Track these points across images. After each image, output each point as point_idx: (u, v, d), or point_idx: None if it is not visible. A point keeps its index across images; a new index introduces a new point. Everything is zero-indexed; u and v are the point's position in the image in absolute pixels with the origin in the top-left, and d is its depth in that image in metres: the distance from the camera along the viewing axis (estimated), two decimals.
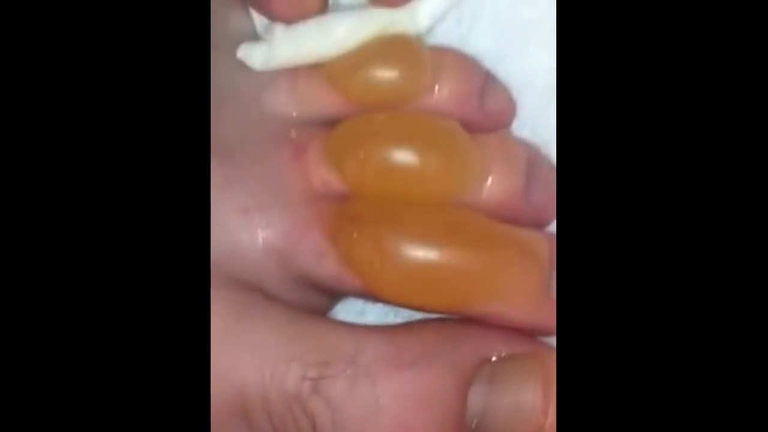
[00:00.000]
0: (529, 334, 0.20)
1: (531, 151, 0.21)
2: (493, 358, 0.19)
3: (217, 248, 0.19)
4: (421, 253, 0.19)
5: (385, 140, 0.20)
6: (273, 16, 0.21)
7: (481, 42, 0.22)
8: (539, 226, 0.21)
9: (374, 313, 0.21)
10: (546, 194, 0.21)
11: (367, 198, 0.20)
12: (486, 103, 0.21)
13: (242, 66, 0.21)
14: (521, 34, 0.22)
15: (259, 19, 0.22)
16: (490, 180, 0.20)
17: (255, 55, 0.21)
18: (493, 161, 0.20)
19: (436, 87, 0.21)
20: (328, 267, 0.19)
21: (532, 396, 0.19)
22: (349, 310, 0.22)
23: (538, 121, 0.22)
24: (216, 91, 0.20)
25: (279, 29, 0.21)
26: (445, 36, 0.22)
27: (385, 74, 0.21)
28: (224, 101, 0.20)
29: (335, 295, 0.21)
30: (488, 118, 0.21)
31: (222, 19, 0.22)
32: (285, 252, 0.19)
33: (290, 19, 0.21)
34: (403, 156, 0.20)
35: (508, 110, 0.22)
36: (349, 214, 0.20)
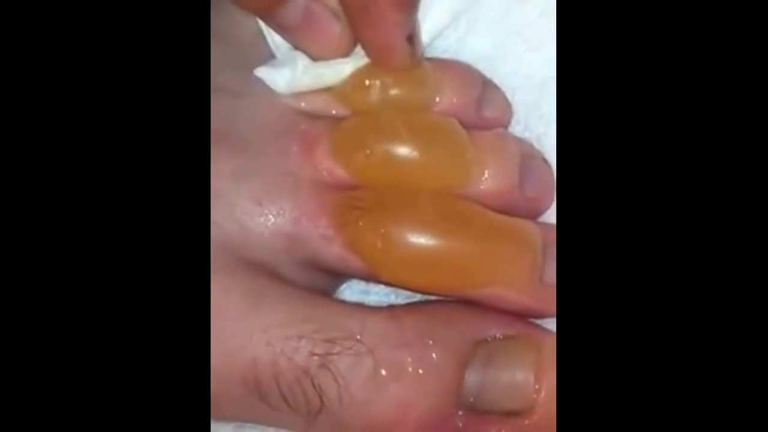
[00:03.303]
0: (523, 316, 0.21)
1: (524, 147, 0.23)
2: (489, 339, 0.20)
3: (233, 235, 0.20)
4: (421, 239, 0.20)
5: (389, 136, 0.21)
6: (300, 48, 0.22)
7: (477, 45, 0.24)
8: (533, 216, 0.22)
9: (377, 294, 0.23)
10: (539, 187, 0.22)
11: (372, 189, 0.21)
12: (483, 111, 0.23)
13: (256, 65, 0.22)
14: (515, 37, 0.24)
15: (273, 36, 0.23)
16: (486, 174, 0.22)
17: (278, 80, 0.22)
18: (489, 156, 0.22)
19: (437, 99, 0.22)
20: (334, 251, 0.21)
21: (526, 374, 0.20)
22: (353, 291, 0.23)
23: (531, 116, 0.23)
24: (233, 87, 0.22)
25: (302, 62, 0.22)
26: (443, 39, 0.24)
27: (393, 91, 0.22)
28: (240, 97, 0.22)
29: (341, 276, 0.22)
30: (485, 123, 0.23)
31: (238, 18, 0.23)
32: (295, 238, 0.21)
33: (316, 57, 0.22)
34: (406, 151, 0.21)
35: (504, 116, 0.24)
36: (354, 203, 0.21)
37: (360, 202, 0.21)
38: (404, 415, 0.19)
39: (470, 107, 0.23)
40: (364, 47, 0.22)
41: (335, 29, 0.21)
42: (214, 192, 0.20)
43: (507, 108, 0.24)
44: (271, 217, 0.21)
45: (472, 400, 0.20)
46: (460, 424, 0.20)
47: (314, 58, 0.22)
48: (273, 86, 0.22)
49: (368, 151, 0.21)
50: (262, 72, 0.22)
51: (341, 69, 0.22)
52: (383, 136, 0.21)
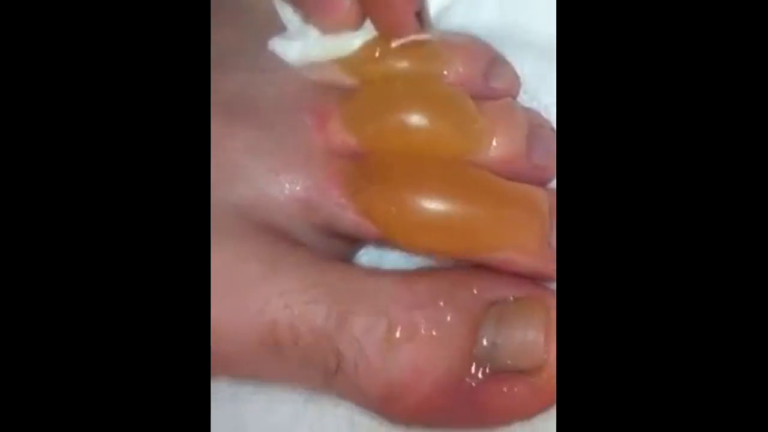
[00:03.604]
0: (532, 279, 0.22)
1: (532, 116, 0.23)
2: (501, 301, 0.21)
3: (250, 203, 0.21)
4: (433, 204, 0.21)
5: (401, 106, 0.22)
6: (310, 22, 0.23)
7: (485, 17, 0.25)
8: (541, 183, 0.23)
9: (391, 260, 0.23)
10: (546, 155, 0.23)
11: (385, 157, 0.22)
12: (491, 82, 0.24)
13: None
14: (523, 8, 0.24)
15: (285, 9, 0.24)
16: (494, 142, 0.22)
17: (290, 51, 0.23)
18: (497, 125, 0.22)
19: (445, 71, 0.23)
20: (348, 218, 0.21)
21: (537, 334, 0.21)
22: (369, 257, 0.24)
23: (539, 87, 0.24)
24: (249, 64, 0.23)
25: (314, 35, 0.23)
26: (451, 13, 0.25)
27: (402, 63, 0.23)
28: (256, 73, 0.23)
29: (356, 242, 0.23)
30: (494, 94, 0.23)
31: None
32: (311, 206, 0.21)
33: (326, 30, 0.23)
34: (416, 120, 0.22)
35: (512, 87, 0.24)
36: (367, 171, 0.22)
37: (372, 169, 0.22)
38: (418, 376, 0.20)
39: (478, 79, 0.23)
40: (373, 21, 0.22)
41: (345, 3, 0.22)
42: (232, 164, 0.21)
43: (515, 79, 0.24)
44: (287, 185, 0.21)
45: (484, 360, 0.21)
46: (473, 384, 0.20)
47: (324, 32, 0.23)
48: (285, 57, 0.23)
49: (380, 120, 0.22)
50: (275, 43, 0.23)
51: (351, 42, 0.23)
52: (393, 106, 0.22)
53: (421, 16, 0.23)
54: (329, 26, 0.23)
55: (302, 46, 0.23)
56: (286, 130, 0.22)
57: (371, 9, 0.22)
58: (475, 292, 0.21)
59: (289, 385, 0.22)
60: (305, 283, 0.21)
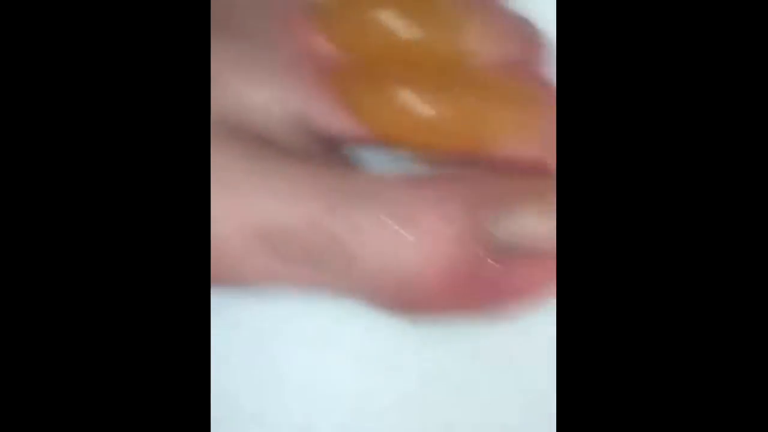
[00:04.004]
0: (533, 171, 0.22)
1: (519, 19, 0.23)
2: (505, 191, 0.22)
3: (240, 114, 0.22)
4: (423, 101, 0.21)
5: (380, 10, 0.22)
6: None
7: None
8: (538, 82, 0.23)
9: (384, 161, 0.24)
10: (535, 53, 0.23)
11: (370, 57, 0.22)
12: None
13: None
14: None
15: None
16: (484, 43, 0.22)
17: None
18: (485, 26, 0.22)
19: None
20: (340, 121, 0.22)
21: (538, 220, 0.21)
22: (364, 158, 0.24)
23: None
24: None
25: None
26: None
27: None
28: None
29: (348, 146, 0.23)
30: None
31: None
32: (299, 113, 0.22)
33: None
34: (401, 22, 0.22)
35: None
36: (353, 72, 0.22)
37: (359, 69, 0.22)
38: (426, 265, 0.21)
39: None
40: None
41: None
42: (217, 76, 0.22)
43: None
44: (274, 92, 0.22)
45: (489, 246, 0.21)
46: (480, 268, 0.21)
47: None
48: None
49: (365, 25, 0.22)
50: None
51: None
52: (367, 6, 0.22)
53: None
54: None
55: None
56: (266, 41, 0.22)
57: None
58: (476, 183, 0.22)
59: (293, 284, 0.22)
60: (301, 182, 0.21)
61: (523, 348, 0.23)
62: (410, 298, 0.22)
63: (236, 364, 0.23)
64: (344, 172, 0.22)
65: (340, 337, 0.23)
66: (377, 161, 0.23)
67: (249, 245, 0.21)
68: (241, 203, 0.21)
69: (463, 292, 0.22)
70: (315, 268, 0.21)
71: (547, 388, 0.22)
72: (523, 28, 0.23)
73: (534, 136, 0.22)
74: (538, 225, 0.21)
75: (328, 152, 0.23)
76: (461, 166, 0.22)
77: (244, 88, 0.22)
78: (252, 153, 0.21)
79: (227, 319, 0.23)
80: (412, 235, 0.21)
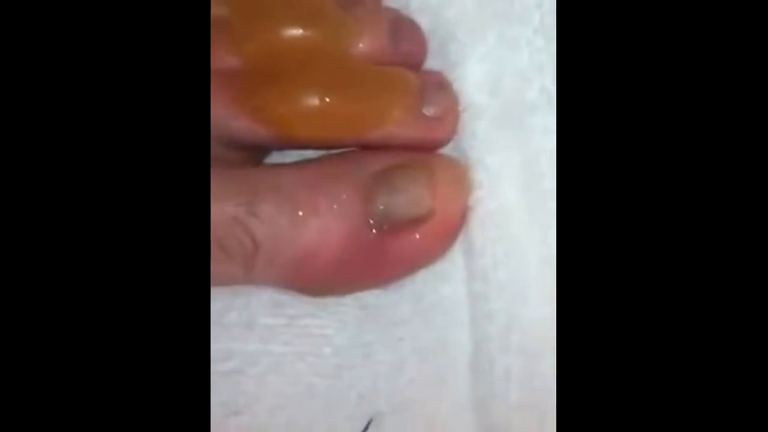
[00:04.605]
0: (412, 148, 0.25)
1: (394, 13, 0.26)
2: (387, 169, 0.24)
3: None
4: (315, 95, 0.24)
5: (272, 20, 0.25)
6: None
7: None
8: (411, 68, 0.26)
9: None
10: (410, 43, 0.26)
11: (267, 64, 0.25)
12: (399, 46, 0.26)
13: None
14: None
15: None
16: (362, 39, 0.25)
17: None
18: (363, 24, 0.25)
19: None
20: (244, 124, 0.24)
21: (422, 187, 0.24)
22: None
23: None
24: None
25: None
26: None
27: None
28: None
29: (257, 149, 0.26)
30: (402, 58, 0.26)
31: None
32: (212, 122, 0.24)
33: None
34: (290, 30, 0.25)
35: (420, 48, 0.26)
36: (254, 79, 0.24)
37: (258, 76, 0.24)
38: (323, 242, 0.23)
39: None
40: None
41: None
42: None
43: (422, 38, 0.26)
44: None
45: (380, 220, 0.24)
46: (374, 241, 0.24)
47: None
48: None
49: (256, 38, 0.25)
50: None
51: None
52: (266, 21, 0.25)
53: None
54: None
55: None
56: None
57: None
58: (362, 165, 0.24)
59: (218, 283, 0.25)
60: (214, 184, 0.23)
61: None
62: (312, 277, 0.24)
63: None
64: (251, 169, 0.24)
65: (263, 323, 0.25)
66: (281, 156, 0.26)
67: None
68: None
69: (359, 262, 0.24)
70: (232, 260, 0.24)
71: None
72: (396, 21, 0.26)
73: (409, 114, 0.24)
74: (417, 195, 0.24)
75: (237, 159, 0.25)
76: (352, 152, 0.25)
77: None
78: None
79: None
80: (311, 216, 0.23)
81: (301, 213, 0.23)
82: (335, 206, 0.24)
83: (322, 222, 0.23)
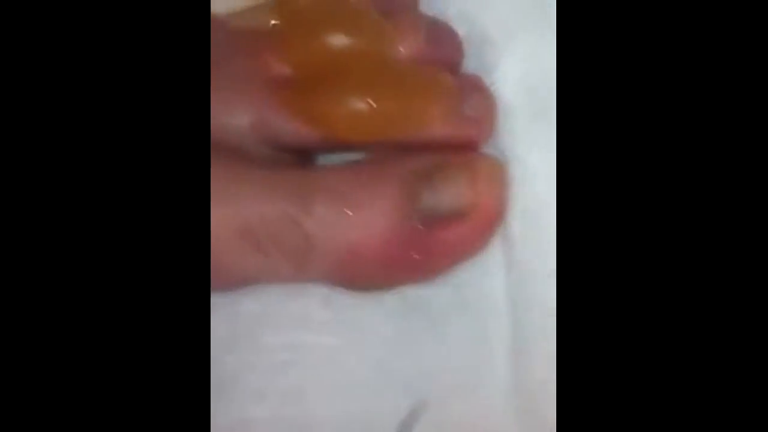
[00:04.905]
0: (452, 147, 0.26)
1: (431, 19, 0.28)
2: (431, 167, 0.25)
3: (214, 132, 0.25)
4: (360, 98, 0.25)
5: (319, 30, 0.27)
6: None
7: None
8: (450, 69, 0.27)
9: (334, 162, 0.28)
10: (448, 47, 0.27)
11: (315, 71, 0.26)
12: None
13: None
14: None
15: None
16: (402, 44, 0.26)
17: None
18: (401, 29, 0.27)
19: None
20: (294, 127, 0.26)
21: (465, 183, 0.25)
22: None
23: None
24: None
25: None
26: None
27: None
28: None
29: (303, 151, 0.27)
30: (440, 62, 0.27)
31: None
32: (262, 126, 0.26)
33: None
34: (336, 38, 0.26)
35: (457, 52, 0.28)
36: (303, 85, 0.26)
37: (307, 82, 0.26)
38: (371, 236, 0.25)
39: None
40: None
41: None
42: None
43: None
44: (239, 112, 0.26)
45: (425, 216, 0.25)
46: (418, 235, 0.25)
47: None
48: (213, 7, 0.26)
49: (304, 46, 0.26)
50: None
51: None
52: (313, 31, 0.26)
53: None
54: None
55: None
56: (230, 67, 0.26)
57: None
58: (407, 165, 0.25)
59: (272, 280, 0.26)
60: (265, 185, 0.25)
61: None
62: (360, 272, 0.25)
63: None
64: (300, 170, 0.26)
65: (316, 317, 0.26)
66: (330, 158, 0.27)
67: (234, 245, 0.25)
68: (224, 209, 0.24)
69: (404, 259, 0.25)
70: (286, 258, 0.25)
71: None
72: (434, 27, 0.27)
73: (449, 114, 0.26)
74: (459, 192, 0.25)
75: (287, 160, 0.26)
76: (396, 152, 0.26)
77: (218, 108, 0.25)
78: (223, 162, 0.25)
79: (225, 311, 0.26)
80: (358, 213, 0.25)
81: (350, 211, 0.25)
82: (381, 204, 0.25)
83: (370, 219, 0.25)
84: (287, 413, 0.26)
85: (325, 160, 0.28)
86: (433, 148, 0.26)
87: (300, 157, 0.27)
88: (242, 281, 0.26)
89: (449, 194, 0.25)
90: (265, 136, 0.26)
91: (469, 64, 0.27)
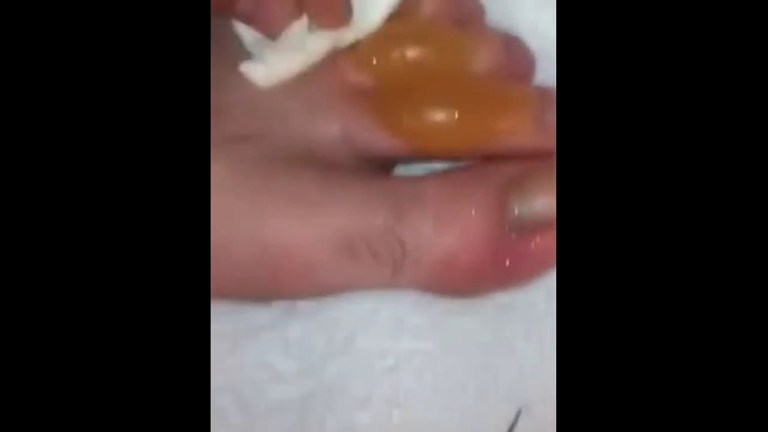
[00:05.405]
0: (538, 156, 0.27)
1: (504, 34, 0.29)
2: (519, 177, 0.26)
3: (299, 140, 0.26)
4: (446, 111, 0.26)
5: (399, 43, 0.27)
6: (258, 30, 0.27)
7: None
8: (525, 82, 0.28)
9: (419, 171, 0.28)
10: (522, 59, 0.28)
11: (399, 84, 0.27)
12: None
13: None
14: None
15: (245, 32, 0.27)
16: (480, 57, 0.27)
17: (256, 74, 0.26)
18: (478, 44, 0.28)
19: None
20: (382, 139, 0.26)
21: (552, 193, 0.26)
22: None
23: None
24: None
25: (268, 50, 0.26)
26: None
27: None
28: None
29: (387, 161, 0.28)
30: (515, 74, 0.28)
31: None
32: (349, 137, 0.26)
33: (274, 31, 0.27)
34: (415, 52, 0.27)
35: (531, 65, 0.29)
36: (388, 97, 0.27)
37: (392, 95, 0.27)
38: (465, 245, 0.25)
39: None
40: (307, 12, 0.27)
41: (278, 4, 0.26)
42: (280, 112, 0.26)
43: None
44: (326, 124, 0.26)
45: (515, 224, 0.26)
46: (510, 244, 0.26)
47: (274, 38, 0.27)
48: (253, 80, 0.26)
49: (385, 59, 0.27)
50: (244, 68, 0.26)
51: (299, 47, 0.27)
52: (393, 45, 0.27)
53: None
54: (272, 27, 0.27)
55: (264, 66, 0.26)
56: (313, 80, 0.27)
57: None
58: (498, 173, 0.26)
59: (366, 287, 0.27)
60: (361, 195, 0.25)
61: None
62: (454, 279, 0.26)
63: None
64: (393, 180, 0.27)
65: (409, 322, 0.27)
66: (415, 168, 0.28)
67: (332, 254, 0.25)
68: (312, 217, 0.25)
69: (496, 266, 0.26)
70: (381, 266, 0.26)
71: None
72: (507, 40, 0.28)
73: (530, 125, 0.26)
74: (548, 199, 0.26)
75: (373, 169, 0.27)
76: (485, 162, 0.27)
77: (305, 120, 0.26)
78: (315, 173, 0.26)
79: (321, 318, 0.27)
80: (453, 221, 0.25)
81: (443, 220, 0.25)
82: (474, 213, 0.26)
83: (463, 228, 0.25)
84: (394, 417, 0.26)
85: (405, 169, 0.28)
86: (519, 158, 0.27)
87: (381, 166, 0.28)
88: (338, 288, 0.27)
89: (540, 202, 0.26)
90: (352, 147, 0.26)
91: (541, 76, 0.29)
